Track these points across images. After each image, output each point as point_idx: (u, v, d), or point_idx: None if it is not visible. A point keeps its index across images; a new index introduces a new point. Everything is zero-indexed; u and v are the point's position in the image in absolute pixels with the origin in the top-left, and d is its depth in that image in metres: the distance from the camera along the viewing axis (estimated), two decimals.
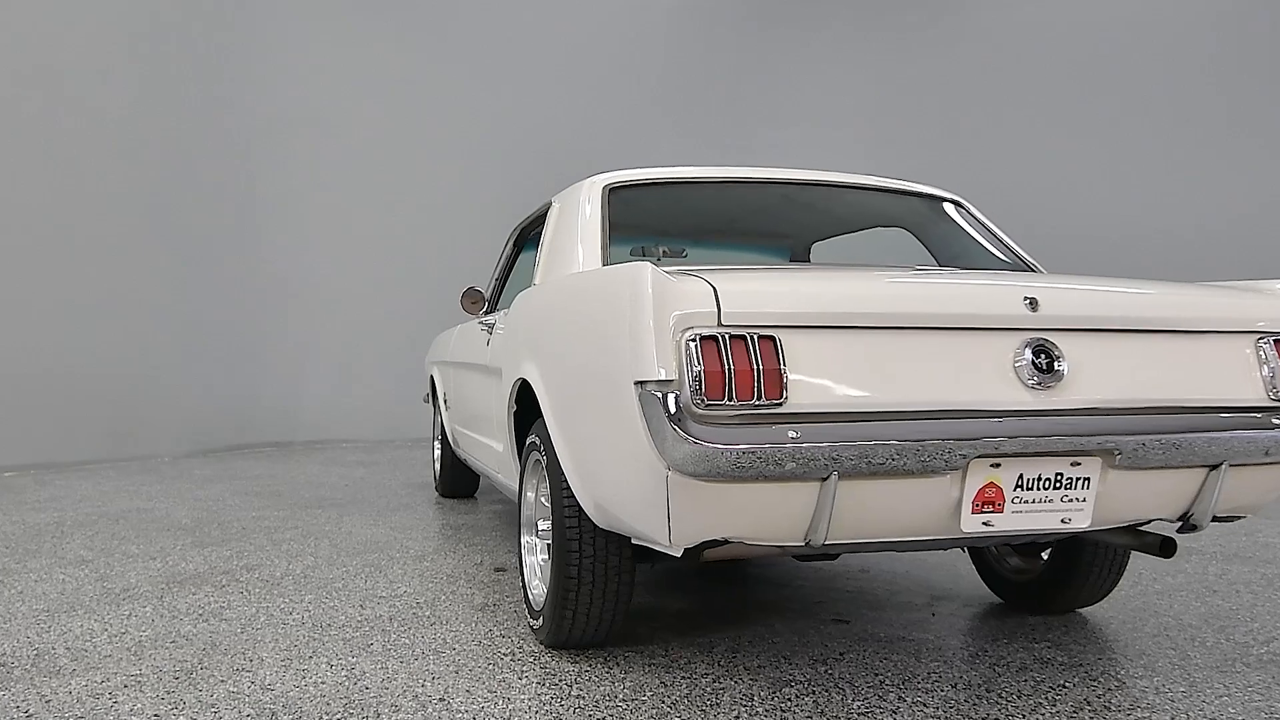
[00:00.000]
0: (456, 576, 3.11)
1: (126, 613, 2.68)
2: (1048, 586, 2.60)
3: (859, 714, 1.89)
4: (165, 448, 6.90)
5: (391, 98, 8.21)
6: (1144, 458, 1.76)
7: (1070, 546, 2.51)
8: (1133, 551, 2.62)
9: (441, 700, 1.97)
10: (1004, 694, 2.01)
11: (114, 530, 3.96)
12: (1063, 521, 1.79)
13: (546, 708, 1.93)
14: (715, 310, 1.63)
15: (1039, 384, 1.74)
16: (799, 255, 3.47)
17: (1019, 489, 1.75)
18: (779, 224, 3.18)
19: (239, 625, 2.54)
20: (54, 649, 2.34)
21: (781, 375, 1.62)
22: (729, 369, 1.60)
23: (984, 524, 1.75)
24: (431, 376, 4.92)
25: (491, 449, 3.19)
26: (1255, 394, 1.88)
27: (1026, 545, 2.69)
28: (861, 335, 1.70)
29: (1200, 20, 8.18)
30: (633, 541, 2.07)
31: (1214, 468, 1.83)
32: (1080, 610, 2.69)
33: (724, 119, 9.36)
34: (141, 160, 6.80)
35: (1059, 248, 7.51)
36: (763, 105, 9.48)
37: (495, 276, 3.86)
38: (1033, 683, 2.09)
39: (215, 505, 4.63)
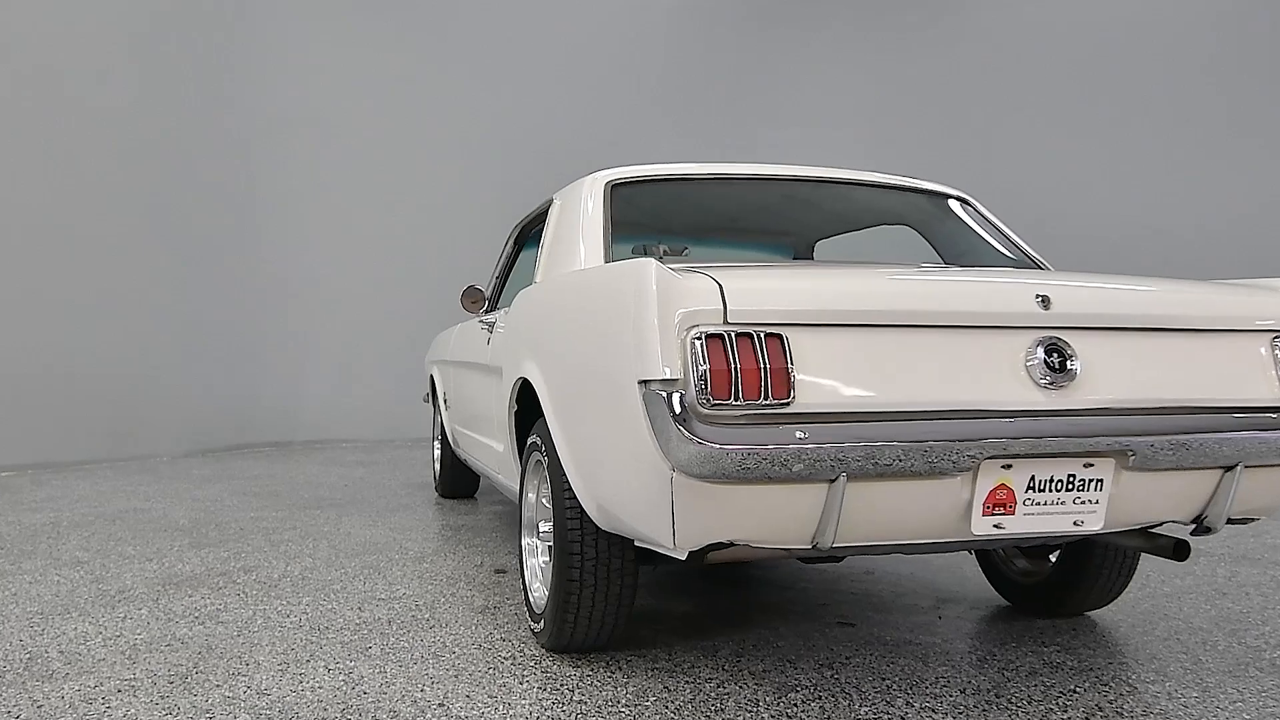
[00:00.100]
0: (456, 578, 3.08)
1: (121, 615, 2.64)
2: (1056, 589, 2.57)
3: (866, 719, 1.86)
4: (164, 448, 6.87)
5: (391, 98, 8.19)
6: (1158, 459, 1.73)
7: (1079, 548, 2.47)
8: (1141, 553, 2.59)
9: (441, 705, 1.94)
10: (1014, 699, 1.98)
11: (110, 531, 3.92)
12: (1075, 524, 1.76)
13: (548, 713, 1.89)
14: (721, 308, 1.59)
15: (1051, 384, 1.71)
16: (802, 254, 3.44)
17: (1031, 490, 1.72)
18: (782, 222, 3.14)
19: (235, 628, 2.50)
20: (47, 652, 2.31)
21: (789, 374, 1.58)
22: (735, 368, 1.56)
23: (995, 526, 1.72)
24: (431, 376, 4.89)
25: (492, 449, 3.15)
26: (1271, 394, 1.85)
27: (1035, 547, 2.66)
28: (871, 334, 1.66)
29: (1200, 20, 8.17)
30: (635, 544, 2.03)
31: (1229, 469, 1.80)
32: (1089, 613, 2.66)
33: (724, 119, 9.33)
34: (141, 160, 6.77)
35: (1059, 248, 7.46)
36: (763, 105, 9.46)
37: (496, 275, 3.82)
38: (1043, 687, 2.06)
39: (213, 506, 4.60)
